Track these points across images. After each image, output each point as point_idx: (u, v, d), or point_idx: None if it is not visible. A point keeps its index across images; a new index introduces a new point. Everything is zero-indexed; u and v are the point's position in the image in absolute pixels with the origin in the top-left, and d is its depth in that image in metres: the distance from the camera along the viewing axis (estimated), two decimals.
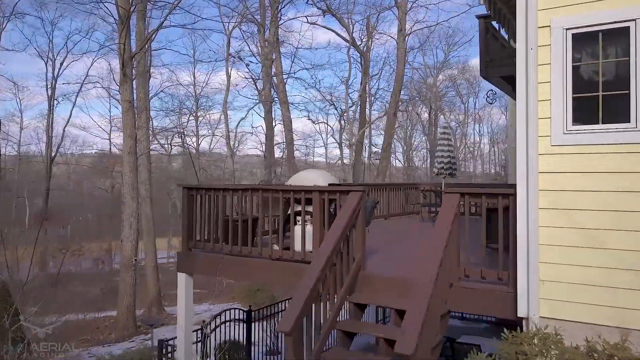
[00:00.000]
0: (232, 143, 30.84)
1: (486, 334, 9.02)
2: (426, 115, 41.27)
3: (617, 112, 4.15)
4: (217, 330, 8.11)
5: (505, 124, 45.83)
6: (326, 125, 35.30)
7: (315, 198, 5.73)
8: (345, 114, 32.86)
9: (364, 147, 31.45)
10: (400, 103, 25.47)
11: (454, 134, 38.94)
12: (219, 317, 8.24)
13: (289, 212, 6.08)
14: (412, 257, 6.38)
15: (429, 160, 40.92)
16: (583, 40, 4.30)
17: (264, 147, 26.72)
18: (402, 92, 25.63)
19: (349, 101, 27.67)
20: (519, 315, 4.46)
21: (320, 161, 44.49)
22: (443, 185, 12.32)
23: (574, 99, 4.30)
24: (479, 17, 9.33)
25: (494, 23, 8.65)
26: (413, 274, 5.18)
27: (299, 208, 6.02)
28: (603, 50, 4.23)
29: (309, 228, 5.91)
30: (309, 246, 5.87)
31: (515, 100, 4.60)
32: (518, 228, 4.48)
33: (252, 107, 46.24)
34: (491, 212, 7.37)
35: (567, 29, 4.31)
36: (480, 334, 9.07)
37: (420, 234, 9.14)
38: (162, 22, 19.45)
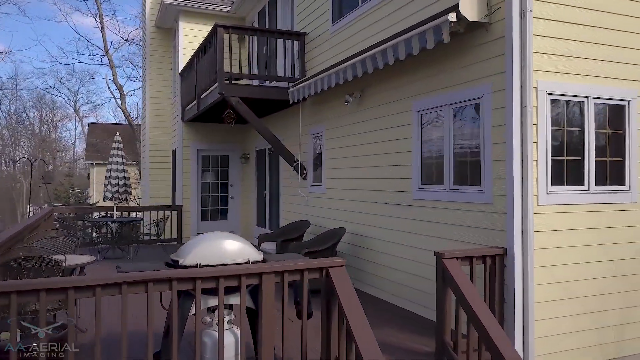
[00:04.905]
0: None
1: None
2: None
3: (579, 175, 4.71)
4: None
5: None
6: None
7: (267, 284, 3.57)
8: None
9: None
10: None
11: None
12: None
13: (194, 312, 3.52)
14: None
15: None
16: (559, 106, 4.62)
17: None
18: None
19: None
20: None
21: None
22: (115, 213, 9.86)
23: (552, 160, 4.56)
24: (218, 25, 8.13)
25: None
26: None
27: (212, 302, 3.59)
28: (569, 117, 4.69)
29: (236, 334, 3.63)
30: None
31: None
32: (516, 289, 4.35)
33: None
34: None
35: (549, 94, 4.52)
36: None
37: None
38: None
